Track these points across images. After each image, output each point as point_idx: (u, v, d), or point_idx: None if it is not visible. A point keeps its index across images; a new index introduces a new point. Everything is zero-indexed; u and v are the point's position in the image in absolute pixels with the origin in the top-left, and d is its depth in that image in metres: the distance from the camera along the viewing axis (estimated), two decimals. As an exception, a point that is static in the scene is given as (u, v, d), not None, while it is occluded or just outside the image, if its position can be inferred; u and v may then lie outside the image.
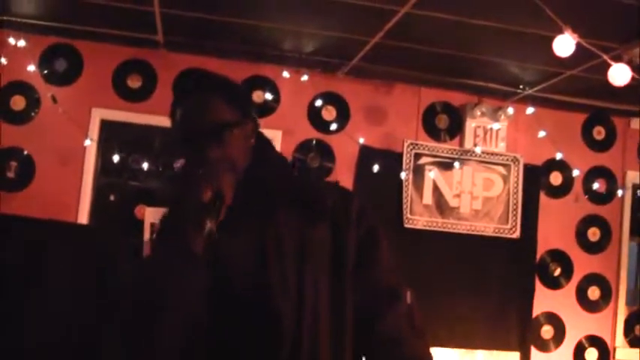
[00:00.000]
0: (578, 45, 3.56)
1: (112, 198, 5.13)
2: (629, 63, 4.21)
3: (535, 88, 5.20)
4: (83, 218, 4.97)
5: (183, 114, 1.84)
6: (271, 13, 4.23)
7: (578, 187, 5.85)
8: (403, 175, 5.42)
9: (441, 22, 4.05)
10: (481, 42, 4.41)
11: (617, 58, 4.13)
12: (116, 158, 5.03)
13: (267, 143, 1.98)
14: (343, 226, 1.89)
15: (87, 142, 4.93)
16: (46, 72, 4.97)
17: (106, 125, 5.10)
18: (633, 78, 3.55)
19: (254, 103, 1.86)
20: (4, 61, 4.69)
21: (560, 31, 3.38)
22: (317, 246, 1.84)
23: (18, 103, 4.94)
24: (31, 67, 4.83)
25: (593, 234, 5.88)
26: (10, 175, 4.91)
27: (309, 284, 1.79)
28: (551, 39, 3.47)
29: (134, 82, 5.10)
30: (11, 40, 4.68)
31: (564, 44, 3.37)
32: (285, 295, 1.76)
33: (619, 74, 3.54)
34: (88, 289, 2.58)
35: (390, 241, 2.01)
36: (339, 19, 4.23)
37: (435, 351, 5.33)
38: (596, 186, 5.84)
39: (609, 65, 3.73)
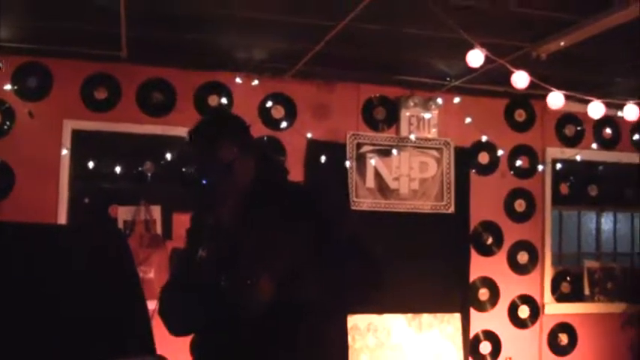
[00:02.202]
0: (491, 45, 4.21)
1: (86, 200, 5.50)
2: (538, 58, 4.88)
3: (460, 80, 5.67)
4: (62, 220, 5.32)
5: (197, 157, 2.45)
6: (224, 30, 4.67)
7: (503, 164, 6.36)
8: (347, 163, 5.90)
9: (375, 32, 4.55)
10: (409, 46, 4.89)
11: (527, 55, 4.80)
12: (88, 164, 5.40)
13: (265, 159, 2.57)
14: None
15: (64, 152, 5.31)
16: (19, 89, 5.28)
17: (77, 135, 5.42)
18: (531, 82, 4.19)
19: (251, 135, 2.41)
20: (-19, 82, 5.09)
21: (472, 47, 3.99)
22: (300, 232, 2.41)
23: None
24: (7, 87, 5.21)
25: (519, 205, 6.40)
26: None
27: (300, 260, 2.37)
28: (468, 42, 4.10)
29: (100, 94, 5.44)
30: (-14, 63, 5.09)
31: (475, 58, 4.01)
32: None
33: (519, 79, 4.20)
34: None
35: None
36: (285, 34, 4.69)
37: (385, 318, 6.00)
38: (519, 163, 6.38)
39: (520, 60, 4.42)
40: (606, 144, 6.67)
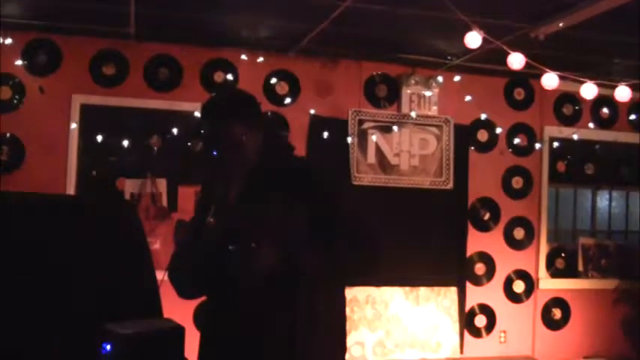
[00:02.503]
0: (491, 26, 4.35)
1: (94, 173, 5.67)
2: (536, 38, 5.01)
3: (461, 59, 5.80)
4: (70, 192, 5.49)
5: (209, 133, 2.59)
6: (230, 9, 4.81)
7: (502, 142, 6.52)
8: (349, 139, 6.06)
9: (377, 12, 4.67)
10: (411, 26, 5.02)
11: (525, 36, 4.93)
12: (96, 138, 5.56)
13: (273, 136, 2.73)
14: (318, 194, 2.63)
15: (72, 126, 5.48)
16: (29, 64, 5.44)
17: (85, 109, 5.59)
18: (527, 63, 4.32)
19: (261, 112, 2.59)
20: (-6, 57, 5.24)
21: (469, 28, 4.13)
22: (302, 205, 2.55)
23: (4, 93, 5.39)
24: (18, 62, 5.37)
25: (517, 182, 6.57)
26: (3, 157, 5.39)
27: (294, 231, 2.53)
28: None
29: (108, 70, 5.60)
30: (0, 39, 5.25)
31: (473, 39, 4.15)
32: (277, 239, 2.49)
33: (515, 60, 4.34)
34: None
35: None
36: (290, 12, 4.83)
37: (384, 291, 6.15)
38: (517, 141, 6.54)
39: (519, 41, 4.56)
40: (603, 123, 6.81)
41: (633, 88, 5.07)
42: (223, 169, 2.54)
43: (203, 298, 2.72)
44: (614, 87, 5.08)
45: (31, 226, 2.89)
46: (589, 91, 4.87)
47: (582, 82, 4.91)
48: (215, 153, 2.53)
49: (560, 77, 4.75)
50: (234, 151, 2.53)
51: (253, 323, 2.48)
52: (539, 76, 6.25)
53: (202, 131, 2.61)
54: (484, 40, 4.23)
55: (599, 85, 4.92)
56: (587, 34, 4.95)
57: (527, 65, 4.55)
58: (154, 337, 2.35)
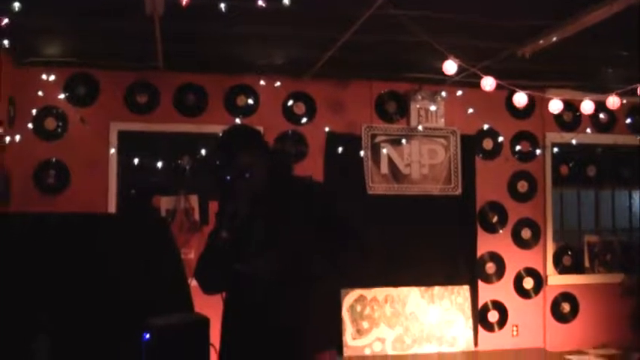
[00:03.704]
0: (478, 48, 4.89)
1: (133, 192, 6.21)
2: (523, 56, 5.52)
3: (461, 75, 6.26)
4: (112, 210, 6.03)
5: (223, 163, 3.15)
6: (249, 42, 5.38)
7: (506, 149, 6.97)
8: (362, 152, 6.56)
9: (375, 42, 5.24)
10: (413, 50, 5.50)
11: (513, 55, 5.44)
12: (133, 161, 6.08)
13: (276, 162, 3.27)
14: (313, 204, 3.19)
15: (111, 151, 6.03)
16: (70, 97, 6.00)
17: (122, 135, 6.14)
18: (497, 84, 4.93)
19: (266, 144, 3.25)
20: (40, 93, 5.85)
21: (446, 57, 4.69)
22: (302, 217, 3.13)
23: (50, 123, 5.97)
24: (61, 96, 5.96)
25: (522, 186, 6.99)
26: (50, 181, 5.95)
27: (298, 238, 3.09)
28: (461, 45, 4.85)
29: (141, 99, 6.16)
30: (44, 76, 5.86)
31: (450, 66, 4.72)
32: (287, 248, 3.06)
33: (486, 83, 4.95)
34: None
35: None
36: (301, 44, 5.40)
37: (401, 291, 6.63)
38: (521, 147, 6.98)
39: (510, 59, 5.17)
40: (602, 128, 7.22)
41: (624, 94, 5.52)
42: (235, 192, 3.10)
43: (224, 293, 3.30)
44: (606, 96, 5.58)
45: (78, 244, 3.45)
46: (588, 106, 5.50)
47: (576, 92, 5.45)
48: (228, 179, 3.09)
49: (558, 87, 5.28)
50: (244, 176, 3.09)
51: (260, 314, 3.06)
52: (538, 87, 6.77)
53: (217, 161, 3.17)
54: (460, 66, 4.79)
55: (594, 92, 5.47)
56: (571, 47, 5.35)
57: (524, 78, 5.12)
58: (185, 327, 2.88)
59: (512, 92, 6.73)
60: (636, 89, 5.36)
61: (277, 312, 3.07)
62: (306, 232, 3.10)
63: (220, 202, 3.21)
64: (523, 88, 6.60)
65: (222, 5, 4.14)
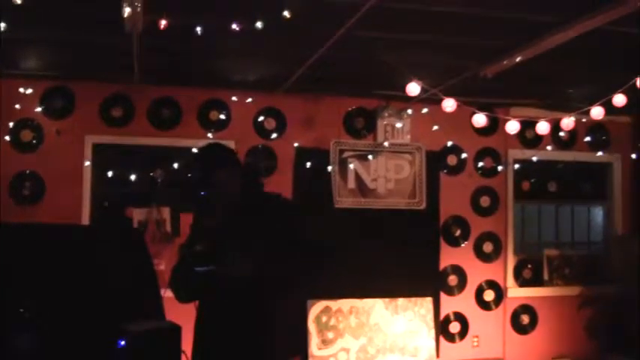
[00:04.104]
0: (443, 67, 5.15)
1: (106, 204, 6.33)
2: (485, 76, 5.76)
3: (427, 93, 6.48)
4: (85, 221, 6.15)
5: (197, 179, 3.37)
6: (223, 58, 5.55)
7: (470, 165, 7.20)
8: (330, 167, 6.75)
9: (345, 60, 5.43)
10: (382, 69, 5.69)
11: (476, 75, 5.68)
12: (107, 173, 6.22)
13: (248, 178, 3.50)
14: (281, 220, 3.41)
15: (86, 163, 6.16)
16: (46, 109, 6.12)
17: (97, 148, 6.26)
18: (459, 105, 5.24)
19: (239, 161, 3.52)
20: (17, 106, 5.99)
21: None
22: (269, 232, 3.34)
23: (25, 135, 6.09)
24: (38, 109, 6.08)
25: (485, 201, 7.23)
26: (26, 192, 6.07)
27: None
28: (428, 64, 5.17)
29: (117, 112, 6.29)
30: (21, 89, 5.99)
31: (413, 88, 4.99)
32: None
33: (447, 104, 5.24)
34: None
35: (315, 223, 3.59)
36: (272, 60, 5.61)
37: (366, 302, 6.79)
38: (484, 163, 7.21)
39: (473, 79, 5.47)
40: (563, 145, 7.47)
41: (585, 113, 5.76)
42: (210, 207, 3.30)
43: (196, 302, 3.49)
44: (565, 114, 5.85)
45: (57, 253, 3.58)
46: (544, 127, 5.85)
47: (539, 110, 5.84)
48: (203, 194, 3.29)
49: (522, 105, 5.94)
50: (217, 192, 3.30)
51: (227, 320, 3.26)
52: (501, 105, 7.04)
53: (194, 177, 3.37)
54: (422, 88, 5.06)
55: (557, 109, 5.90)
56: (534, 67, 5.55)
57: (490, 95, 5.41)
58: (157, 333, 3.06)
59: (476, 110, 7.10)
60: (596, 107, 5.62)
61: (246, 320, 3.29)
62: (273, 246, 3.31)
63: (195, 216, 3.41)
64: (487, 106, 6.91)
65: (198, 29, 4.35)
